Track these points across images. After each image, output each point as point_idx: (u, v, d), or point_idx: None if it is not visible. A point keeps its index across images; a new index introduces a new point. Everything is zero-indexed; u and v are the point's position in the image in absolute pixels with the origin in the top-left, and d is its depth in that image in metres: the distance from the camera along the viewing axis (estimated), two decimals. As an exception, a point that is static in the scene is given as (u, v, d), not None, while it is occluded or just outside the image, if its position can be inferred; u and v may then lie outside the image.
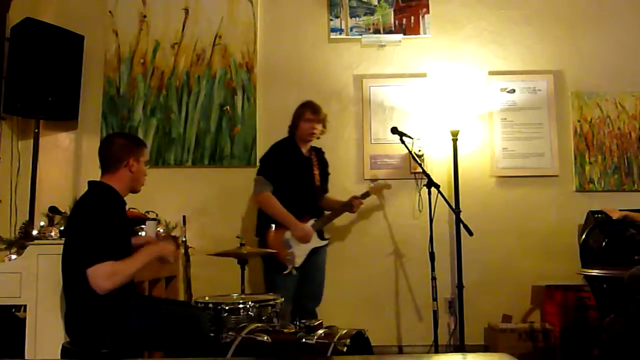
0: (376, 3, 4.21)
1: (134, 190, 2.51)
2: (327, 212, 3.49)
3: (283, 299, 2.95)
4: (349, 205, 3.48)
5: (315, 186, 3.41)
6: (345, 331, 2.33)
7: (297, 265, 3.24)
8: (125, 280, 2.26)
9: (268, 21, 4.21)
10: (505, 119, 4.11)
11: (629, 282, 2.70)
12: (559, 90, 4.13)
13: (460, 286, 3.80)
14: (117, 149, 2.44)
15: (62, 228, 2.86)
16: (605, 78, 4.14)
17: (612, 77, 4.13)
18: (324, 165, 3.56)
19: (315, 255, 3.36)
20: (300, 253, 3.27)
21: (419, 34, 4.17)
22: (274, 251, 3.21)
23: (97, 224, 2.25)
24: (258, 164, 3.33)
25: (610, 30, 4.18)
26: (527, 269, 3.96)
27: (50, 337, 2.62)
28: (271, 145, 3.44)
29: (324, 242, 3.42)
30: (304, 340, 2.26)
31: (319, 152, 3.56)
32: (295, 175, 3.33)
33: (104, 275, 2.18)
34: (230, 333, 2.38)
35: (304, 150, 3.44)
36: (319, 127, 3.42)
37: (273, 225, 3.18)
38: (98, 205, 2.31)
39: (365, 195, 3.57)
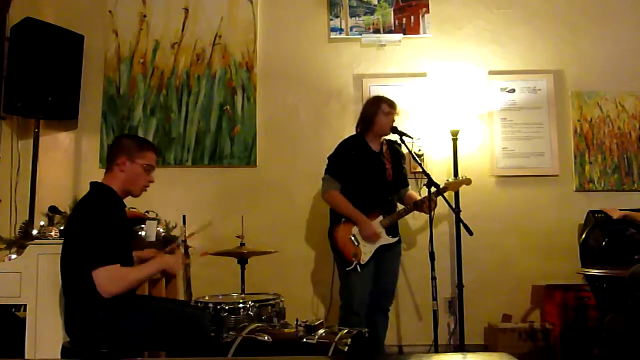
0: (376, 3, 4.21)
1: (132, 194, 2.43)
2: (399, 208, 3.40)
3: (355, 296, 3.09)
4: (419, 206, 3.34)
5: (387, 181, 3.33)
6: (346, 331, 2.33)
7: (362, 263, 3.16)
8: (129, 287, 2.24)
9: (268, 21, 4.21)
10: (505, 118, 4.11)
11: (630, 280, 2.70)
12: (559, 90, 4.13)
13: (460, 286, 3.81)
14: (115, 148, 2.41)
15: (62, 228, 2.85)
16: (605, 78, 4.14)
17: (612, 77, 4.14)
18: (397, 159, 3.45)
19: (387, 253, 3.30)
20: (366, 250, 3.21)
21: (419, 34, 4.17)
22: (273, 252, 3.21)
23: (99, 226, 2.23)
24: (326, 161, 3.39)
25: (610, 30, 4.18)
26: (527, 269, 3.96)
27: (50, 337, 2.62)
28: (338, 144, 3.40)
29: (394, 240, 3.33)
30: (305, 340, 2.26)
31: (392, 146, 3.46)
32: (362, 171, 3.28)
33: (111, 278, 2.17)
34: (231, 333, 2.38)
35: (374, 145, 3.36)
36: (396, 119, 3.36)
37: (343, 220, 3.22)
38: (97, 207, 2.29)
39: (442, 191, 3.32)
